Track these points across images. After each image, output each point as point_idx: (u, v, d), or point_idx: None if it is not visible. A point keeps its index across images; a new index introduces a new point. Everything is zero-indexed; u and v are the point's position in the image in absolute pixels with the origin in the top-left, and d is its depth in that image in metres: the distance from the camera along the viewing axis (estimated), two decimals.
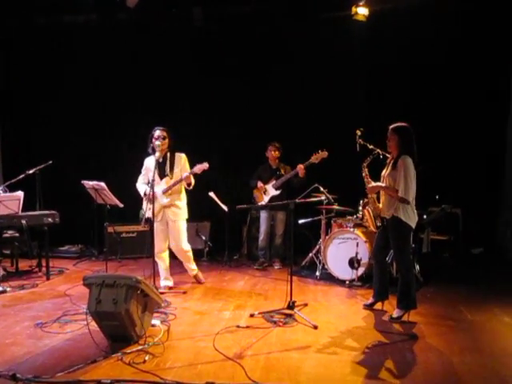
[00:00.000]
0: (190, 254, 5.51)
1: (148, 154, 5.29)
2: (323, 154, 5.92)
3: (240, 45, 7.28)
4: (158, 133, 5.16)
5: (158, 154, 5.00)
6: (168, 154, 5.25)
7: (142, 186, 5.32)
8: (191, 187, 5.28)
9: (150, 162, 5.25)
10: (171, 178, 5.22)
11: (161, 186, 5.23)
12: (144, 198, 5.28)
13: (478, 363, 3.40)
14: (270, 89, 7.19)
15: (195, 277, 5.64)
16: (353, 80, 6.90)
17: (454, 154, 6.78)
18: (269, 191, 6.45)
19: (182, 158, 5.29)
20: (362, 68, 6.91)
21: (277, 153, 6.46)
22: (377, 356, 3.51)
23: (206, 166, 5.09)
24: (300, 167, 6.03)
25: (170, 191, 5.22)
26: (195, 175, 5.19)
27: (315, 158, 5.94)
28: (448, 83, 6.77)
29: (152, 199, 4.87)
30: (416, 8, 6.34)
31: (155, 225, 5.13)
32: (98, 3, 6.62)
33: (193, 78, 7.34)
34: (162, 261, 5.37)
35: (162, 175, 5.25)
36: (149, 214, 5.06)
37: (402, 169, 4.13)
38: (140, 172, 5.43)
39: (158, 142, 5.05)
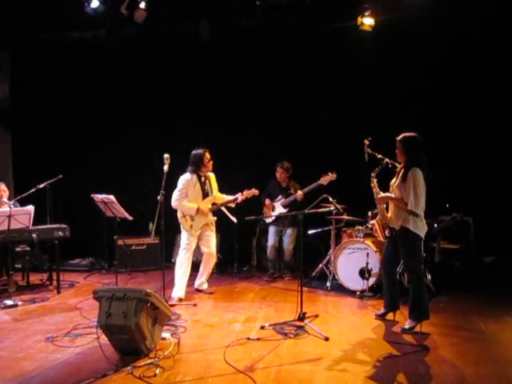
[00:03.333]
0: None
1: (180, 172, 5.49)
2: (332, 176, 5.90)
3: (246, 58, 7.32)
4: (207, 153, 5.47)
5: (201, 174, 5.42)
6: (206, 174, 5.58)
7: (189, 204, 5.40)
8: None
9: (191, 181, 5.41)
10: (214, 197, 5.58)
11: (205, 204, 5.48)
12: (194, 214, 5.41)
13: (492, 374, 3.35)
14: (276, 101, 7.20)
15: (203, 291, 5.70)
16: (360, 89, 6.89)
17: (464, 162, 6.72)
18: (277, 209, 6.47)
19: (214, 178, 5.69)
20: (369, 77, 6.91)
21: (286, 173, 6.46)
22: (389, 368, 3.46)
23: (255, 192, 5.62)
24: (299, 194, 6.12)
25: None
26: None
27: (324, 180, 5.92)
28: (457, 90, 6.73)
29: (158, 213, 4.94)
30: (421, 17, 6.34)
31: (191, 235, 5.44)
32: (106, 18, 6.70)
33: (201, 92, 7.38)
34: (189, 267, 5.46)
35: (204, 194, 5.51)
36: (196, 226, 5.45)
37: (412, 181, 4.12)
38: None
39: (211, 162, 5.46)
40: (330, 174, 5.92)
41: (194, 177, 5.42)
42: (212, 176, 5.68)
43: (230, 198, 5.64)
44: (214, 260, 5.76)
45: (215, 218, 5.69)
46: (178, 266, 5.40)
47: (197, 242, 5.55)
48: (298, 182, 6.47)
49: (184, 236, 5.49)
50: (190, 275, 5.56)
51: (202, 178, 5.52)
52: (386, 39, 6.74)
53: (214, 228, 5.69)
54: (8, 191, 6.17)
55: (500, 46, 6.56)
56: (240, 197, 5.58)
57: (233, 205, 5.70)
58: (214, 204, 5.61)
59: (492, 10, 6.30)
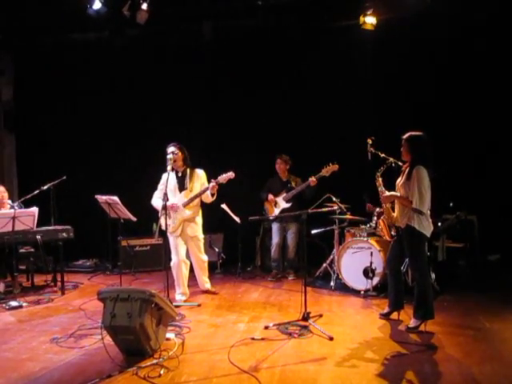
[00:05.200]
0: (206, 265, 5.65)
1: (165, 171, 5.26)
2: (334, 167, 5.91)
3: (249, 58, 7.33)
4: (168, 149, 5.27)
5: (169, 167, 5.05)
6: (188, 170, 5.39)
7: (158, 201, 5.33)
8: (215, 197, 5.33)
9: (164, 179, 5.28)
10: (190, 191, 5.34)
11: (179, 198, 5.33)
12: (161, 212, 5.28)
13: (498, 373, 3.33)
14: (279, 100, 7.22)
15: (208, 290, 5.68)
16: (363, 88, 6.89)
17: (467, 160, 6.70)
18: (279, 204, 6.44)
19: (202, 174, 5.45)
20: (371, 76, 6.90)
21: (285, 165, 6.45)
22: (394, 367, 3.45)
23: (231, 175, 5.19)
24: (312, 180, 6.01)
25: (190, 204, 5.32)
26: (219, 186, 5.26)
27: (326, 171, 5.94)
28: (459, 89, 6.71)
29: (165, 212, 4.92)
30: (424, 16, 6.32)
31: (174, 238, 5.32)
32: (109, 20, 6.71)
33: (204, 92, 7.41)
34: (184, 269, 5.38)
35: (182, 189, 5.36)
36: (173, 224, 5.28)
37: (416, 180, 4.11)
38: (154, 187, 5.48)
39: (168, 156, 5.13)
40: (331, 164, 5.92)
41: (170, 174, 5.17)
42: (197, 172, 5.41)
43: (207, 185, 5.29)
44: (201, 262, 5.55)
45: (189, 213, 5.33)
46: (173, 271, 5.40)
47: (185, 244, 5.43)
48: (298, 177, 6.46)
49: (169, 239, 5.42)
50: (191, 276, 5.57)
51: (179, 174, 5.39)
52: (389, 37, 6.72)
53: (194, 233, 5.40)
54: (7, 192, 6.17)
55: (504, 44, 6.53)
56: (211, 184, 5.18)
57: (210, 198, 5.28)
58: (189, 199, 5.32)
59: (495, 10, 6.27)
